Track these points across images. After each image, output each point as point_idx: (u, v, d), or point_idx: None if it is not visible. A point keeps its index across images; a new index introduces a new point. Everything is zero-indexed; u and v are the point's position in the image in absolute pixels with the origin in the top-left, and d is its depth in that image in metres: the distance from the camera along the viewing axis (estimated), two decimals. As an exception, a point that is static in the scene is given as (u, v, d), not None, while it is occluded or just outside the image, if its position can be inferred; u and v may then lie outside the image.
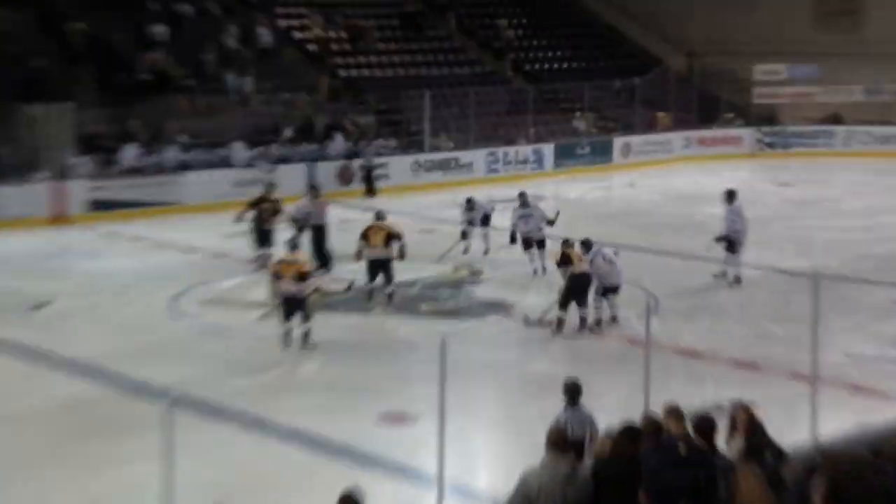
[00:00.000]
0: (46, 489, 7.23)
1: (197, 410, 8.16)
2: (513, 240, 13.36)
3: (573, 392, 6.45)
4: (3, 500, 7.10)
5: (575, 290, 10.54)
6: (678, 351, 9.94)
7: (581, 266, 10.58)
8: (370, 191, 20.17)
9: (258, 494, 7.14)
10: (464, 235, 14.22)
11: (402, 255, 11.91)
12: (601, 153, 24.31)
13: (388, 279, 11.84)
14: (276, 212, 13.72)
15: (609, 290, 10.78)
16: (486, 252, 14.29)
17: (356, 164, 20.38)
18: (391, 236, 11.85)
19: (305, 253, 10.86)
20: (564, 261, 10.57)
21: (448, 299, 12.34)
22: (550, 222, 12.95)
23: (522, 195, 13.39)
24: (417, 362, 9.75)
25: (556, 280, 10.99)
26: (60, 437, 8.11)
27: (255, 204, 13.77)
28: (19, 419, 8.50)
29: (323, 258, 13.21)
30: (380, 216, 12.13)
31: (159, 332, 10.93)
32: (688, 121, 26.41)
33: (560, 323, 10.66)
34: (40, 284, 12.77)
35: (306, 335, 10.03)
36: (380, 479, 7.10)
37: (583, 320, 10.67)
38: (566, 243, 10.77)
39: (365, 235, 11.85)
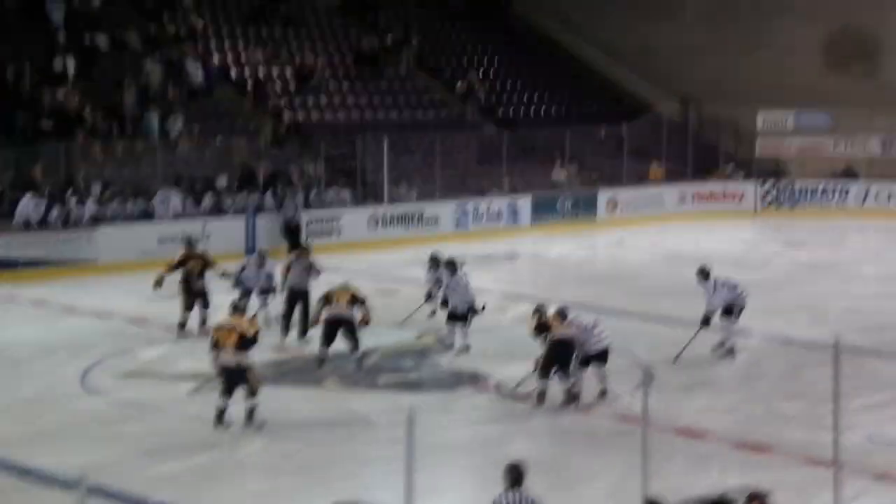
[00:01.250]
0: None
1: (116, 501, 8.10)
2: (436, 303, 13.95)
3: (516, 474, 6.57)
4: None
5: (557, 357, 10.68)
6: (677, 430, 10.08)
7: (562, 330, 10.76)
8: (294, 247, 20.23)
9: None
10: (429, 297, 14.36)
11: (366, 321, 12.13)
12: (585, 208, 24.78)
13: (355, 344, 12.02)
14: (205, 267, 13.78)
15: (593, 359, 10.95)
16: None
17: (282, 217, 20.46)
18: (356, 299, 12.06)
19: (247, 317, 10.82)
20: (541, 328, 10.76)
21: (411, 370, 12.40)
22: (474, 311, 13.06)
23: (452, 263, 13.50)
24: (375, 442, 9.78)
25: (533, 349, 11.12)
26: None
27: (180, 264, 13.80)
28: None
29: (305, 328, 13.18)
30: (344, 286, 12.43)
31: (69, 412, 10.82)
32: (682, 173, 27.05)
33: (542, 395, 10.78)
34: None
35: (251, 412, 10.00)
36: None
37: (568, 393, 10.79)
38: (538, 311, 11.02)
39: (327, 297, 12.06)
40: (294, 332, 13.38)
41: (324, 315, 12.16)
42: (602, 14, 29.43)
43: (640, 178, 26.64)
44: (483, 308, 13.24)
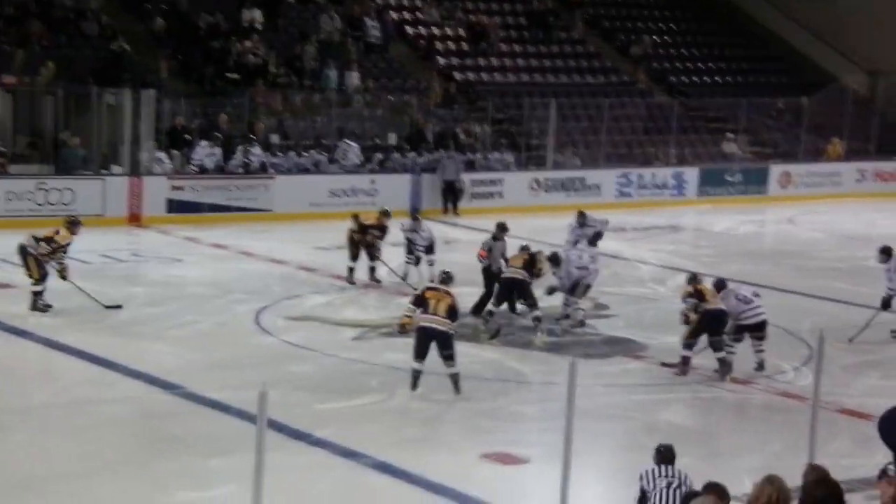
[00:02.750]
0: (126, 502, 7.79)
1: (281, 433, 8.64)
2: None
3: (667, 454, 6.66)
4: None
5: (708, 328, 10.66)
6: (842, 410, 9.91)
7: (714, 302, 10.72)
8: (450, 209, 20.53)
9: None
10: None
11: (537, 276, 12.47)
12: (755, 182, 24.16)
13: (532, 303, 12.25)
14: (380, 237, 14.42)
15: (748, 331, 10.86)
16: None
17: (441, 178, 20.75)
18: (533, 260, 12.35)
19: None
20: (697, 297, 10.74)
21: (566, 334, 12.56)
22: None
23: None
24: (528, 400, 10.04)
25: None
26: (138, 448, 8.71)
27: (362, 230, 14.38)
28: (95, 426, 9.14)
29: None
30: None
31: (241, 347, 11.53)
32: (864, 151, 25.97)
33: (685, 363, 10.82)
34: (116, 288, 13.60)
35: (456, 379, 9.96)
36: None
37: (720, 363, 10.75)
38: (694, 279, 11.04)
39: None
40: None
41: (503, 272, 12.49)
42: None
43: (818, 154, 25.73)
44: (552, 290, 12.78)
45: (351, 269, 14.38)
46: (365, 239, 14.35)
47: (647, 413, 9.90)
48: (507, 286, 12.46)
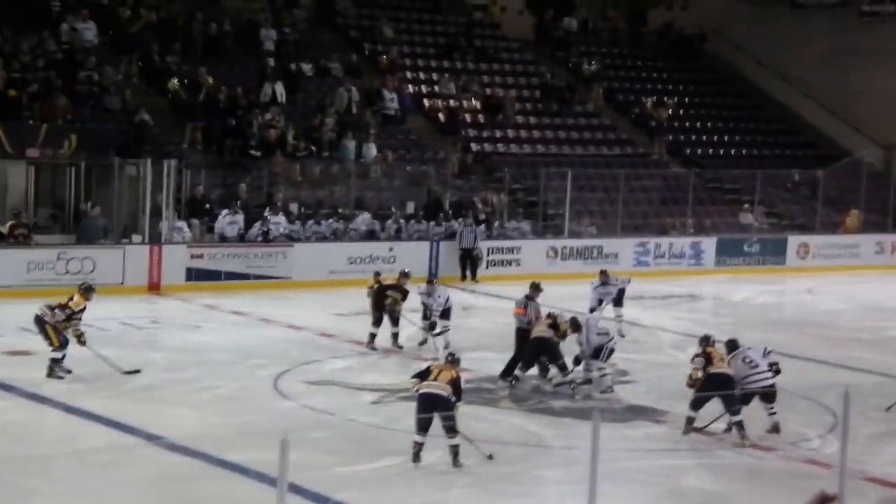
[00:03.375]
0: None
1: (301, 496, 8.58)
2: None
3: None
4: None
5: (712, 391, 10.75)
6: (869, 478, 9.78)
7: (720, 366, 10.84)
8: (468, 276, 20.57)
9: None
10: (592, 312, 14.45)
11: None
12: (773, 252, 24.19)
13: (562, 365, 12.47)
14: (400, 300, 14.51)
15: (757, 397, 10.82)
16: (620, 335, 14.86)
17: (460, 245, 20.87)
18: (556, 324, 12.59)
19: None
20: (705, 359, 10.81)
21: (588, 399, 12.48)
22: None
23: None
24: (550, 465, 9.95)
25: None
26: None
27: (381, 291, 14.51)
28: (115, 490, 9.10)
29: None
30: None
31: (260, 413, 11.50)
32: (881, 224, 25.99)
33: (689, 422, 10.89)
34: (135, 354, 13.64)
35: (456, 453, 9.72)
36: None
37: (736, 425, 10.71)
38: (706, 340, 11.13)
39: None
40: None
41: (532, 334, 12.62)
42: (801, 55, 28.76)
43: (834, 227, 25.77)
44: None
45: (373, 335, 14.41)
46: (383, 302, 14.38)
47: (671, 478, 9.79)
48: (535, 347, 12.48)
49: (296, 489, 8.62)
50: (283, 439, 5.27)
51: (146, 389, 12.29)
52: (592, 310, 14.50)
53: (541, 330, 12.57)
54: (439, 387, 9.67)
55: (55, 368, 12.39)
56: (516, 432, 11.16)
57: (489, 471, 9.84)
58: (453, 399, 9.66)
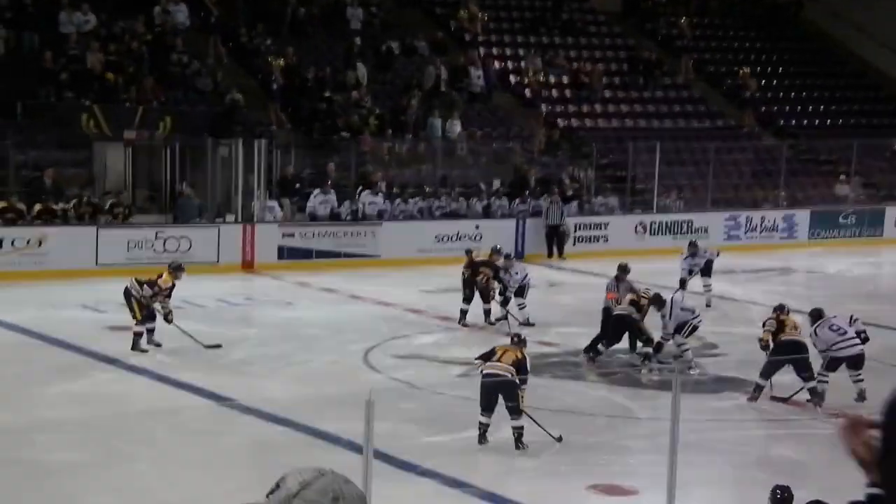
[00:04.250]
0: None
1: (390, 465, 8.90)
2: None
3: (785, 496, 6.82)
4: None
5: (784, 356, 10.91)
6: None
7: (792, 333, 11.08)
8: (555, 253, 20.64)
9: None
10: (682, 284, 14.36)
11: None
12: (870, 224, 23.68)
13: (646, 340, 12.70)
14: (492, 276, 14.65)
15: (843, 363, 10.81)
16: (707, 305, 15.22)
17: (546, 222, 20.93)
18: (637, 301, 12.88)
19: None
20: (778, 326, 10.90)
21: (674, 371, 12.53)
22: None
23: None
24: (636, 435, 10.08)
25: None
26: (256, 479, 9.05)
27: (472, 266, 14.74)
28: (215, 457, 9.56)
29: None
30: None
31: (351, 384, 11.84)
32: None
33: (757, 388, 11.07)
34: (230, 330, 14.16)
35: (519, 435, 9.70)
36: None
37: (812, 392, 10.85)
38: (780, 308, 11.44)
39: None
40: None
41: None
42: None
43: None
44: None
45: (464, 312, 14.62)
46: (475, 279, 14.58)
47: (756, 447, 9.85)
48: (617, 325, 12.61)
49: (383, 457, 8.93)
50: (368, 400, 5.51)
51: (241, 363, 12.78)
52: (683, 281, 14.49)
53: (623, 308, 12.72)
54: (502, 367, 9.70)
55: (138, 341, 12.90)
56: (602, 404, 11.32)
57: (576, 441, 10.02)
58: (517, 380, 9.66)
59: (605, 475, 9.06)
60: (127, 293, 13.04)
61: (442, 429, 10.29)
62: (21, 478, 8.85)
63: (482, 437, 9.76)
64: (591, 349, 12.84)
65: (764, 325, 11.28)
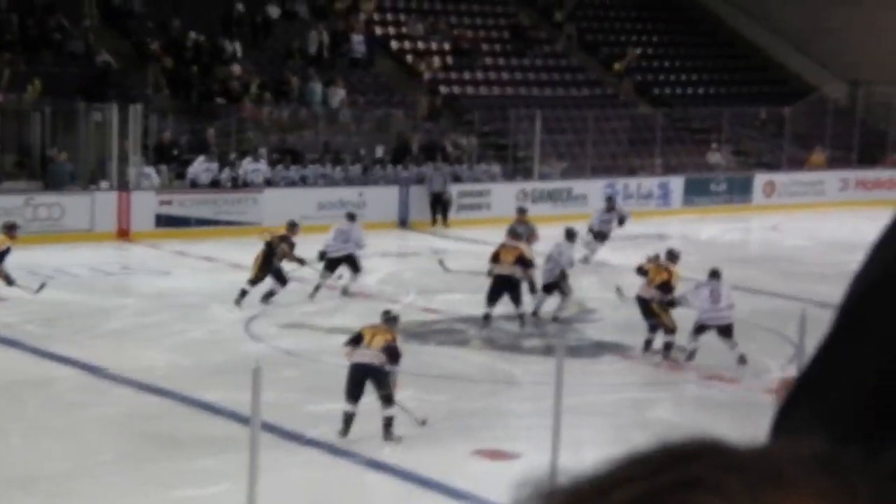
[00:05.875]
0: (116, 499, 7.87)
1: (274, 434, 8.73)
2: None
3: None
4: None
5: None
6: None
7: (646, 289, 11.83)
8: (439, 220, 20.66)
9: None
10: (601, 237, 14.63)
11: (531, 287, 12.83)
12: (740, 191, 24.41)
13: (517, 301, 12.63)
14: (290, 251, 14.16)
15: (713, 330, 11.25)
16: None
17: (429, 190, 20.92)
18: (522, 259, 12.74)
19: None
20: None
21: (555, 336, 12.69)
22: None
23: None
24: (519, 399, 10.15)
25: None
26: (133, 449, 8.80)
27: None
28: (89, 429, 9.23)
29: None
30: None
31: (233, 353, 11.59)
32: (846, 160, 26.25)
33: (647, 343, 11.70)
34: (105, 300, 13.68)
35: (388, 423, 9.08)
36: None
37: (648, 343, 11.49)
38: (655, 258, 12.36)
39: (495, 255, 12.97)
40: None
41: (492, 271, 12.86)
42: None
43: (800, 164, 26.02)
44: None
45: (244, 292, 13.64)
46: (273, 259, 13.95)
47: (636, 410, 10.03)
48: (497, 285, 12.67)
49: (268, 427, 8.76)
50: (256, 368, 5.35)
51: (118, 333, 12.37)
52: (601, 234, 15.09)
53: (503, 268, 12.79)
54: (371, 355, 9.06)
55: None
56: (485, 370, 11.36)
57: (459, 407, 10.04)
58: (387, 368, 9.06)
59: (488, 440, 9.09)
60: None
61: (325, 398, 10.13)
62: None
63: (346, 428, 8.97)
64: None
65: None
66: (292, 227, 14.35)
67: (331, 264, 14.28)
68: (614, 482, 0.52)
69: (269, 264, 13.92)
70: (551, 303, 13.36)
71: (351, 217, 15.20)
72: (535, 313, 13.13)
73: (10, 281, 12.82)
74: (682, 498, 0.50)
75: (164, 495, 7.94)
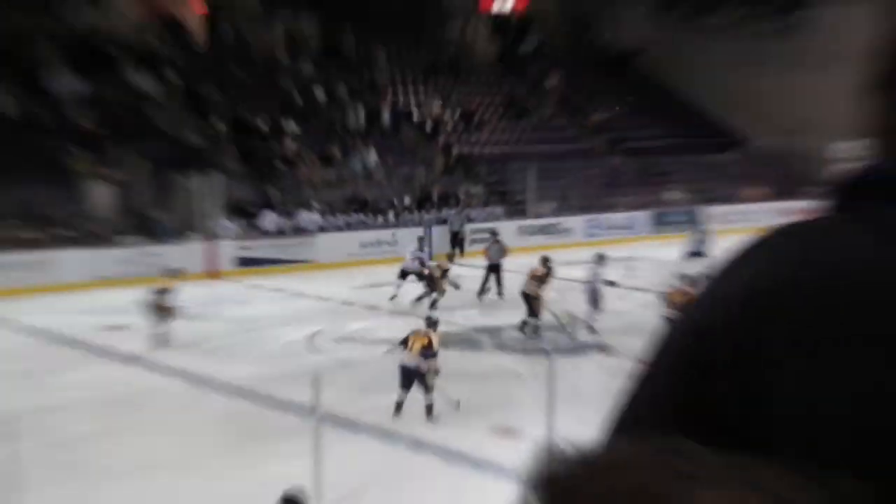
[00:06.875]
0: (216, 478, 8.25)
1: (336, 423, 9.09)
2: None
3: None
4: (183, 487, 8.14)
5: None
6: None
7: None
8: (456, 253, 20.96)
9: (392, 489, 7.96)
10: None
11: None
12: (693, 222, 24.61)
13: (535, 315, 13.16)
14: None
15: None
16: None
17: (450, 229, 21.29)
18: (541, 278, 13.51)
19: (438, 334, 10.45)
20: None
21: (549, 341, 13.00)
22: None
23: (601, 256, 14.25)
24: (522, 388, 10.46)
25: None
26: (225, 440, 9.18)
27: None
28: (190, 425, 9.62)
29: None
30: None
31: (298, 363, 11.98)
32: (772, 194, 26.48)
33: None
34: (202, 325, 14.10)
35: (429, 407, 9.74)
36: (490, 481, 7.82)
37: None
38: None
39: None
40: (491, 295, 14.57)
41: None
42: (712, 65, 29.11)
43: (737, 198, 26.28)
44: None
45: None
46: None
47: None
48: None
49: (330, 418, 9.14)
50: (316, 374, 5.73)
51: (212, 350, 12.77)
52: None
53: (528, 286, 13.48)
54: (413, 359, 9.70)
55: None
56: (495, 368, 11.67)
57: (476, 394, 10.35)
58: (424, 367, 9.66)
59: (501, 420, 9.40)
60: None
61: (371, 395, 10.50)
62: (46, 446, 8.76)
63: (397, 410, 9.74)
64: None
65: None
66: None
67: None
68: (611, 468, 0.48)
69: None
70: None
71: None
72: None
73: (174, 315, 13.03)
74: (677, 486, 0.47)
75: (252, 473, 8.29)
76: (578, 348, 12.61)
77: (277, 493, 6.36)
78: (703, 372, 0.62)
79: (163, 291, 12.89)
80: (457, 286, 15.04)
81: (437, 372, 9.88)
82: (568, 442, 0.51)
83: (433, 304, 14.62)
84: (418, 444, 8.91)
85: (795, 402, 0.59)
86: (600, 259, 14.49)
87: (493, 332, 13.28)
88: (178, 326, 13.02)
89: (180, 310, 13.03)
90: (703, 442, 0.52)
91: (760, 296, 0.61)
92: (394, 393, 10.44)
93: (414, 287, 15.53)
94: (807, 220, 0.68)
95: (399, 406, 9.78)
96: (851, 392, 0.57)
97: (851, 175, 0.67)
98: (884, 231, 0.62)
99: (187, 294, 15.82)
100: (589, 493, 0.49)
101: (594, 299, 13.35)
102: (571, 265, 16.33)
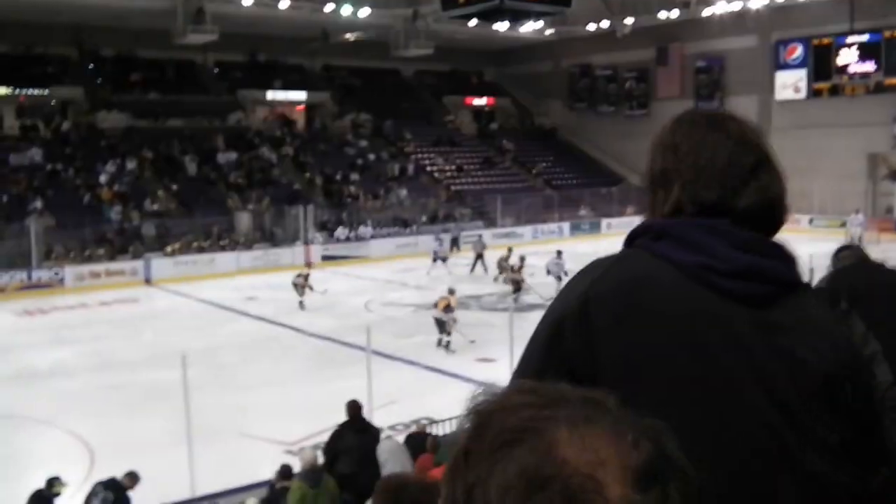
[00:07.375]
0: (309, 389, 8.02)
1: (385, 357, 8.83)
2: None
3: None
4: (289, 394, 7.92)
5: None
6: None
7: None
8: (454, 250, 20.63)
9: (416, 396, 7.72)
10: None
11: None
12: (594, 229, 24.40)
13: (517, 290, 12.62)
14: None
15: None
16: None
17: (451, 235, 20.91)
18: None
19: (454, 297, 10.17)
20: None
21: (509, 304, 12.71)
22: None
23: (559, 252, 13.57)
24: (495, 333, 10.18)
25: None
26: (310, 367, 8.94)
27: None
28: (293, 358, 9.37)
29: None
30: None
31: (359, 318, 11.72)
32: (641, 213, 25.94)
33: None
34: (304, 297, 13.79)
35: (447, 345, 9.79)
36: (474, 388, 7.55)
37: None
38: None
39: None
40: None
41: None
42: (603, 135, 28.77)
43: (622, 214, 25.95)
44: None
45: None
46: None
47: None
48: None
49: (379, 353, 8.88)
50: (368, 325, 5.46)
51: (311, 310, 12.47)
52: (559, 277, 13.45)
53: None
54: (438, 313, 9.80)
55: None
56: (479, 321, 11.36)
57: (467, 337, 10.07)
58: (445, 318, 9.66)
59: (482, 354, 9.14)
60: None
61: (403, 338, 10.25)
62: (209, 369, 8.41)
63: (439, 343, 9.69)
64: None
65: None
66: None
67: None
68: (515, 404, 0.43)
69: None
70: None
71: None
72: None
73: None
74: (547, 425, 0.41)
75: (327, 386, 8.07)
76: (530, 307, 12.30)
77: (345, 400, 6.10)
78: (562, 336, 0.73)
79: (302, 275, 12.62)
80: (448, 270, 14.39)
81: (455, 321, 9.79)
82: (494, 386, 0.51)
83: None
84: (432, 369, 8.65)
85: (611, 353, 0.71)
86: (559, 254, 13.93)
87: (477, 298, 12.94)
88: (309, 297, 12.68)
89: (311, 287, 12.66)
90: (566, 380, 0.52)
91: (591, 291, 0.77)
92: (418, 337, 10.22)
93: (438, 268, 15.01)
94: (614, 253, 0.84)
95: (439, 342, 9.72)
96: (644, 344, 0.70)
97: (636, 228, 0.84)
98: (652, 256, 0.79)
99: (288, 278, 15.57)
100: (494, 426, 0.48)
101: (559, 279, 12.92)
102: (529, 256, 15.84)
